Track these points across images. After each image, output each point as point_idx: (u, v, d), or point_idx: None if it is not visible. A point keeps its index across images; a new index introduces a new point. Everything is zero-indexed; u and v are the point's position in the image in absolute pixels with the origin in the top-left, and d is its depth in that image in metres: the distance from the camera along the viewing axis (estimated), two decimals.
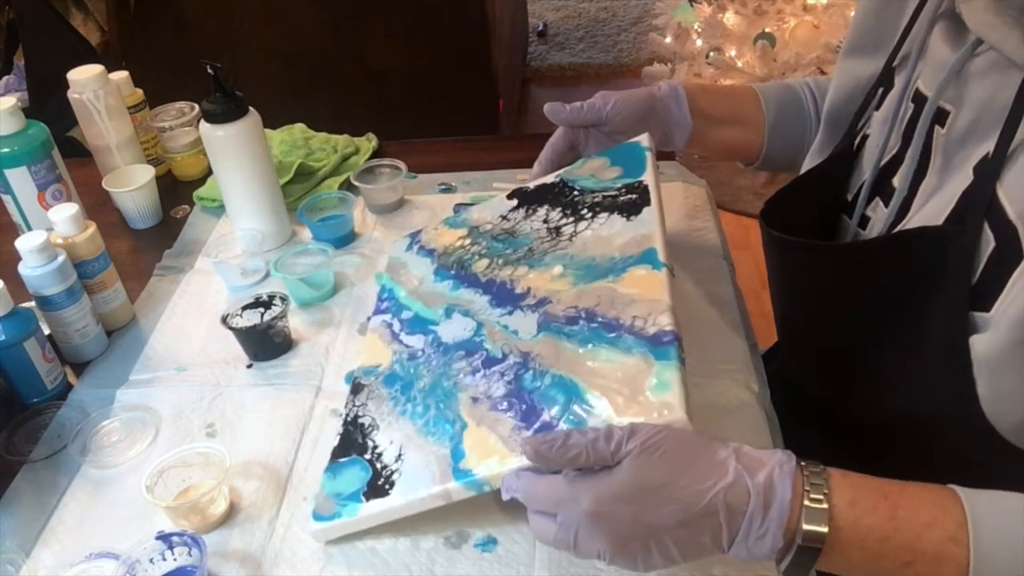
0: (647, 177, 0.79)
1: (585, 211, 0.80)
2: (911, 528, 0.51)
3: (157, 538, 0.65)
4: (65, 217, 0.85)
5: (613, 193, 0.79)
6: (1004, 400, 0.56)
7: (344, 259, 0.98)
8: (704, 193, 1.09)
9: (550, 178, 0.87)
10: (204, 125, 0.95)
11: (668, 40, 2.52)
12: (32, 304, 0.86)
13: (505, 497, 0.58)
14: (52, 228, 0.86)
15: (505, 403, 0.66)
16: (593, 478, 0.52)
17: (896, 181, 0.67)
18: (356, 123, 1.32)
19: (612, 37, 3.49)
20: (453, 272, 0.84)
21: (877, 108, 0.72)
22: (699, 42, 2.42)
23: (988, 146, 0.58)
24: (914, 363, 0.62)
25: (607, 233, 0.75)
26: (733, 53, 2.36)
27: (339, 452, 0.72)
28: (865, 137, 0.73)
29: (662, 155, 1.17)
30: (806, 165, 0.81)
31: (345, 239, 1.04)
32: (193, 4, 2.23)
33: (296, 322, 0.91)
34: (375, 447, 0.70)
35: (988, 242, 0.56)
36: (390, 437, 0.70)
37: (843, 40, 0.79)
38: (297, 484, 0.74)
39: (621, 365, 0.62)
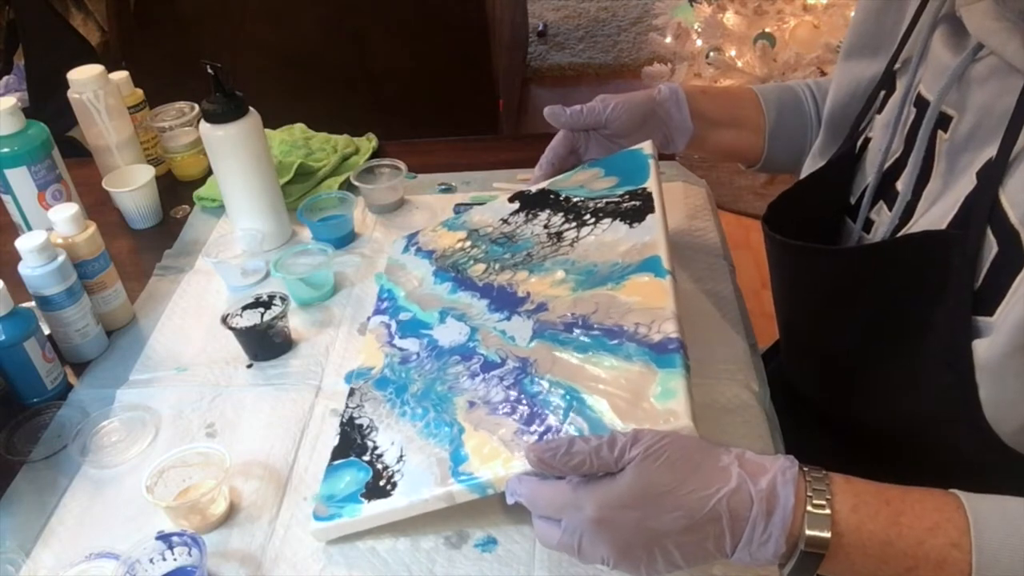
0: (651, 184, 0.79)
1: (588, 216, 0.79)
2: (913, 533, 0.51)
3: (157, 538, 0.65)
4: (65, 217, 0.85)
5: (616, 199, 0.79)
6: (1005, 405, 0.56)
7: (344, 259, 0.98)
8: (704, 193, 1.09)
9: (539, 186, 0.88)
10: (204, 125, 0.95)
11: (668, 40, 2.53)
12: (32, 304, 0.86)
13: (509, 501, 0.58)
14: (52, 228, 0.86)
15: (507, 407, 0.66)
16: (597, 484, 0.52)
17: (900, 185, 0.67)
18: (356, 123, 1.32)
19: (612, 37, 3.49)
20: (452, 275, 0.84)
21: (879, 111, 0.72)
22: (699, 42, 2.42)
23: (991, 151, 0.58)
24: (916, 367, 0.62)
25: (610, 239, 0.75)
26: (733, 53, 2.36)
27: (339, 453, 0.72)
28: (867, 140, 0.73)
29: (662, 156, 1.16)
30: (807, 168, 0.81)
31: (345, 239, 1.04)
32: (193, 4, 2.23)
33: (296, 322, 0.91)
34: (375, 448, 0.70)
35: (991, 247, 0.56)
36: (391, 438, 0.70)
37: (843, 40, 0.79)
38: (297, 484, 0.74)
39: (624, 372, 0.62)
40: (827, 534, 0.50)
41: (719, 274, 0.94)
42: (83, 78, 1.07)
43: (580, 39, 3.51)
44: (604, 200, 0.80)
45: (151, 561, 0.65)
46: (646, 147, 0.84)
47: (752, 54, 2.31)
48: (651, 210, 0.75)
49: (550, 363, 0.67)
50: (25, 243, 0.81)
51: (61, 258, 0.83)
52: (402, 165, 1.08)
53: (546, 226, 0.82)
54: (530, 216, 0.85)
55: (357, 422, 0.74)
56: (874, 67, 0.74)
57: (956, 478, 0.61)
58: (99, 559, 0.67)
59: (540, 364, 0.67)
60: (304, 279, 0.93)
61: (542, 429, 0.62)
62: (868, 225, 0.71)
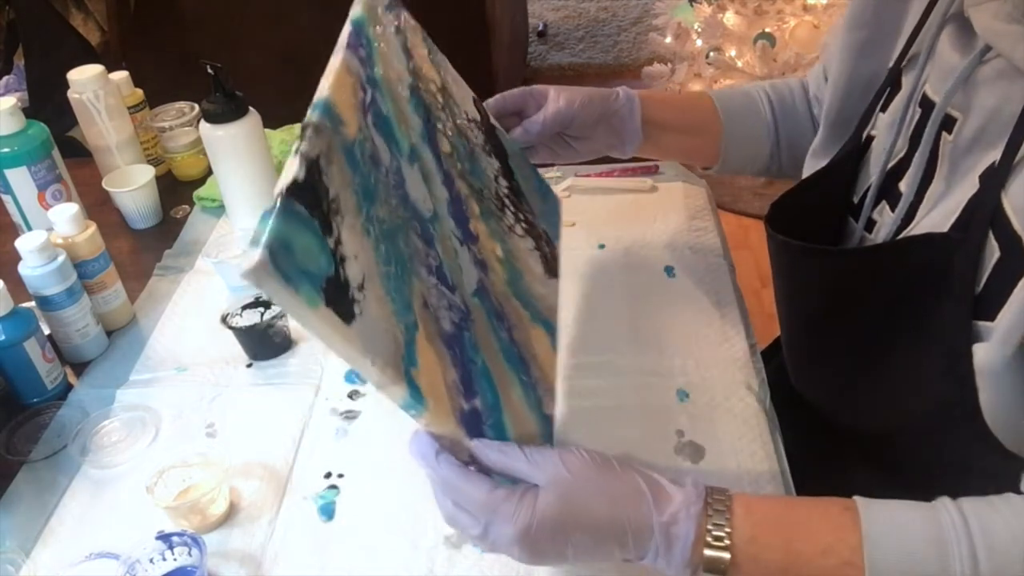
0: (559, 247, 0.79)
1: (522, 217, 0.77)
2: (808, 558, 0.54)
3: (157, 538, 0.65)
4: (65, 217, 0.85)
5: (539, 229, 0.78)
6: (1005, 410, 0.56)
7: None
8: (704, 193, 1.09)
9: (500, 132, 0.81)
10: (204, 125, 0.95)
11: (668, 40, 2.52)
12: (32, 304, 0.86)
13: (412, 452, 0.57)
14: (52, 228, 0.86)
15: (454, 349, 0.60)
16: (520, 502, 0.55)
17: (903, 186, 0.67)
18: None
19: (612, 37, 3.49)
20: (425, 117, 0.72)
21: (883, 109, 0.72)
22: (699, 42, 2.42)
23: (995, 155, 0.57)
24: (917, 370, 0.62)
25: (533, 265, 0.74)
26: (733, 53, 2.36)
27: (301, 193, 0.55)
28: (871, 139, 0.72)
29: (612, 160, 1.17)
30: (808, 167, 0.80)
31: None
32: (193, 4, 2.23)
33: (296, 322, 0.91)
34: (339, 241, 0.55)
35: (993, 251, 0.56)
36: (354, 249, 0.56)
37: (838, 33, 0.78)
38: (297, 484, 0.74)
39: (525, 418, 0.62)
40: (724, 567, 0.54)
41: (719, 274, 0.95)
42: (83, 78, 1.08)
43: (580, 39, 3.51)
44: (529, 214, 0.78)
45: (151, 561, 0.65)
46: (560, 201, 0.85)
47: (752, 54, 2.31)
48: (556, 274, 0.76)
49: (485, 338, 0.63)
50: (25, 243, 0.81)
51: (61, 258, 0.83)
52: None
53: (496, 180, 0.76)
54: (487, 148, 0.77)
55: (324, 184, 0.57)
56: (873, 62, 0.73)
57: (956, 480, 0.61)
58: (99, 559, 0.67)
59: (477, 328, 0.63)
60: None
61: (469, 408, 0.59)
62: (870, 225, 0.71)
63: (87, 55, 2.11)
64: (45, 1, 2.09)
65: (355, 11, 0.72)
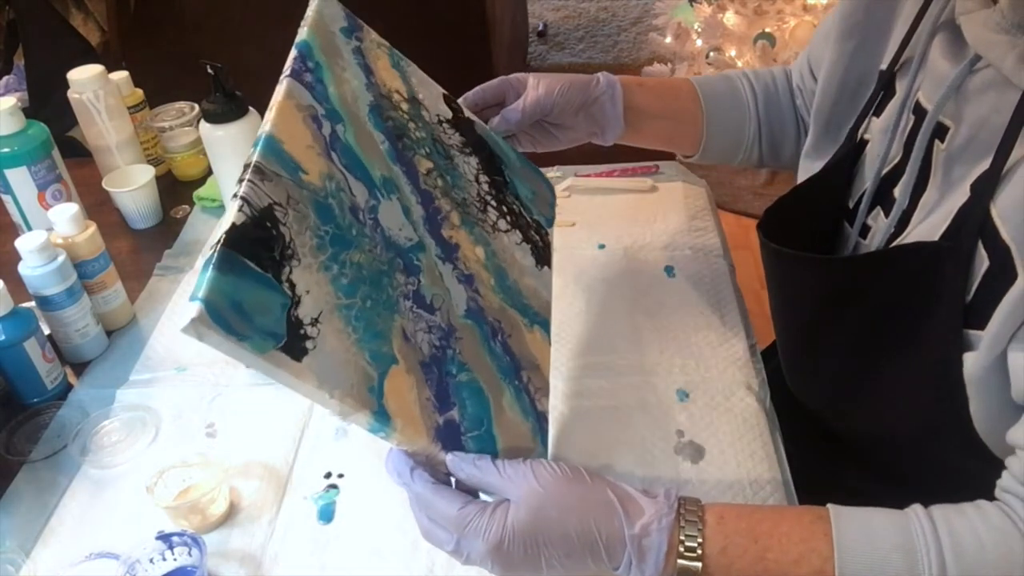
0: (552, 234, 0.78)
1: (505, 209, 0.75)
2: (779, 568, 0.55)
3: (157, 538, 0.65)
4: (65, 217, 0.85)
5: (528, 219, 0.77)
6: (994, 418, 0.57)
7: None
8: (704, 193, 1.09)
9: (477, 125, 0.79)
10: (204, 125, 0.95)
11: (668, 40, 2.52)
12: (32, 304, 0.86)
13: (387, 470, 0.58)
14: (52, 228, 0.86)
15: (432, 368, 0.60)
16: (492, 518, 0.55)
17: (897, 193, 0.66)
18: None
19: (612, 37, 3.49)
20: (388, 130, 0.69)
21: (876, 114, 0.71)
22: (699, 42, 2.42)
23: (986, 163, 0.58)
24: (908, 378, 0.62)
25: (520, 258, 0.73)
26: (733, 53, 2.36)
27: (241, 242, 0.54)
28: (864, 142, 0.72)
29: (662, 155, 1.17)
30: (802, 168, 0.80)
31: None
32: (193, 4, 2.23)
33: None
34: (290, 277, 0.55)
35: (982, 261, 0.56)
36: (306, 284, 0.56)
37: (826, 29, 0.78)
38: (297, 484, 0.74)
39: (516, 423, 0.63)
40: (697, 573, 0.54)
41: (719, 274, 0.95)
42: (83, 78, 1.08)
43: (580, 39, 3.51)
44: (518, 205, 0.77)
45: (151, 561, 0.65)
46: (552, 188, 0.83)
47: (752, 54, 2.31)
48: (548, 263, 0.75)
49: (473, 356, 0.63)
50: (25, 243, 0.81)
51: (61, 258, 0.83)
52: None
53: (476, 179, 0.75)
54: (463, 148, 0.75)
55: (281, 228, 0.57)
56: (864, 63, 0.73)
57: (948, 483, 0.61)
58: (99, 559, 0.67)
59: (465, 346, 0.63)
60: None
61: (445, 420, 0.59)
62: (865, 231, 0.70)
63: (87, 55, 2.11)
64: (45, 1, 2.09)
65: (301, 34, 0.69)
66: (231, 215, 0.55)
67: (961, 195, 0.59)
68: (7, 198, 1.01)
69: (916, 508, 0.55)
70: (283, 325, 0.54)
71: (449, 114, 0.76)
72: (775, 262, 0.74)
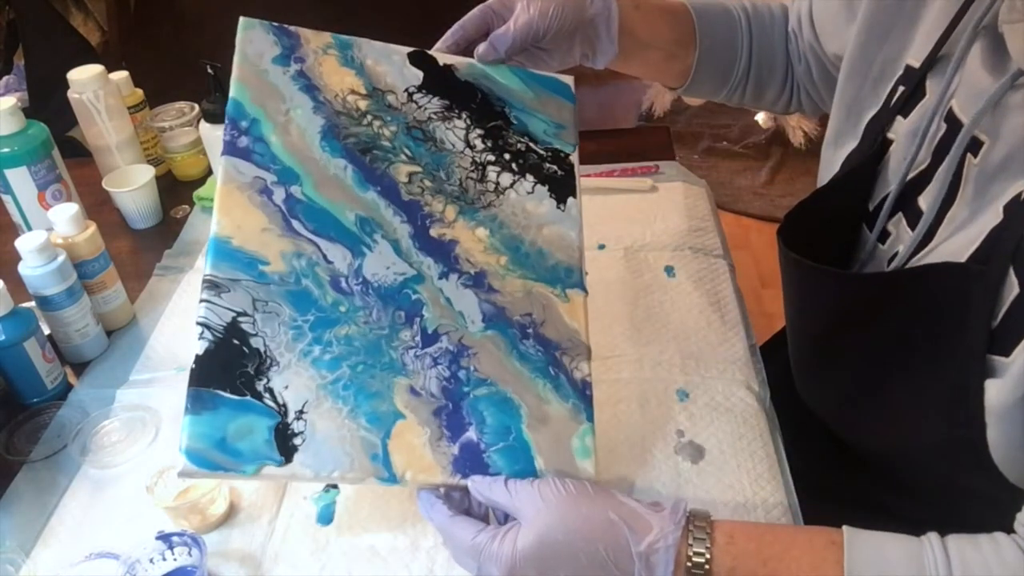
0: (575, 156, 0.72)
1: (509, 158, 0.69)
2: None
3: (157, 538, 0.65)
4: (65, 217, 0.85)
5: (538, 152, 0.71)
6: (1012, 448, 0.55)
7: None
8: (704, 193, 1.09)
9: (462, 67, 0.72)
10: (204, 125, 0.95)
11: None
12: (32, 304, 0.86)
13: (423, 514, 0.60)
14: (52, 228, 0.86)
15: (437, 404, 0.60)
16: (503, 542, 0.56)
17: (923, 203, 0.64)
18: None
19: None
20: (350, 150, 0.65)
21: (903, 113, 0.67)
22: None
23: (1021, 185, 0.55)
24: (923, 399, 0.61)
25: (533, 209, 0.68)
26: None
27: (212, 375, 0.55)
28: (888, 142, 0.69)
29: (661, 155, 1.17)
30: (824, 158, 0.76)
31: None
32: (193, 4, 2.23)
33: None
34: (269, 386, 0.56)
35: (1012, 286, 0.53)
36: (285, 381, 0.56)
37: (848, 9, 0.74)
38: (297, 484, 0.73)
39: (556, 411, 0.62)
40: None
41: (719, 274, 0.94)
42: (83, 78, 1.07)
43: None
44: (525, 141, 0.71)
45: (151, 561, 0.65)
46: (571, 83, 0.75)
47: None
48: (573, 192, 0.70)
49: (494, 367, 0.61)
50: (25, 243, 0.81)
51: (61, 258, 0.83)
52: None
53: (467, 142, 0.69)
54: (447, 112, 0.70)
55: (252, 343, 0.57)
56: (885, 49, 0.69)
57: (954, 500, 0.60)
58: (99, 559, 0.67)
59: (482, 361, 0.61)
60: None
61: (463, 442, 0.59)
62: (884, 236, 0.68)
63: (87, 55, 2.11)
64: (45, 1, 2.09)
65: (231, 93, 0.65)
66: (197, 344, 0.56)
67: (994, 215, 0.57)
68: (7, 198, 1.01)
69: (932, 539, 0.54)
70: (272, 443, 0.55)
71: (419, 77, 0.70)
72: (794, 271, 0.72)
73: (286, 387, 0.57)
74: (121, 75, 1.17)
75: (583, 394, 0.64)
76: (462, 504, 0.60)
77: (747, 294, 0.93)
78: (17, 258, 0.82)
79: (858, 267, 0.71)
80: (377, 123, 0.67)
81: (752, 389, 0.79)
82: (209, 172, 1.19)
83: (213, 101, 0.94)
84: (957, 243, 0.59)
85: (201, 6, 2.24)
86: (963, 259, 0.57)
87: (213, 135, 0.95)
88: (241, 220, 0.60)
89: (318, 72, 0.67)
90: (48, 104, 1.93)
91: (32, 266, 0.82)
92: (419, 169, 0.66)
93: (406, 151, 0.67)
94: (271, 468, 0.55)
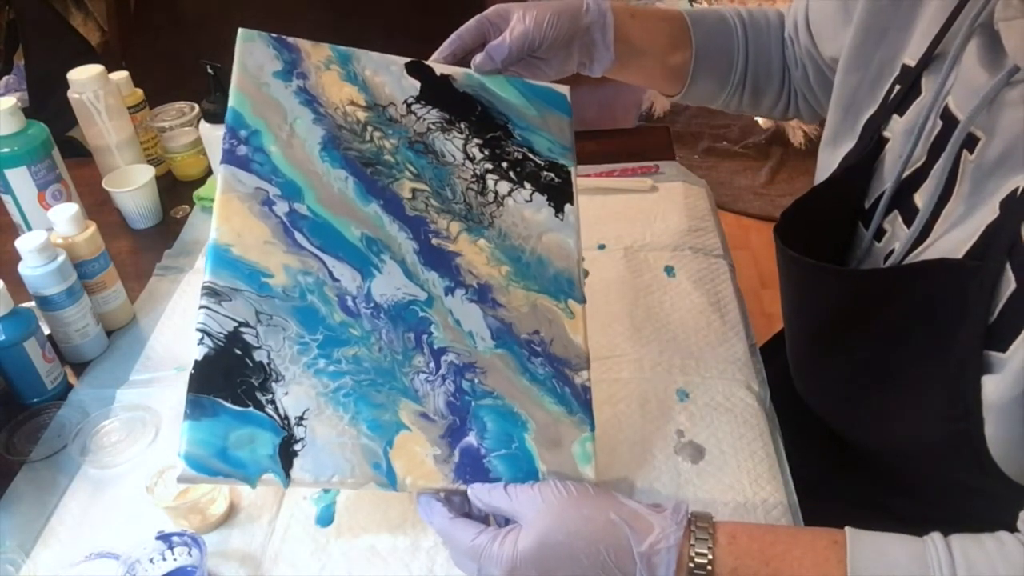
0: (574, 169, 0.73)
1: (506, 166, 0.70)
2: None
3: (157, 538, 0.65)
4: (65, 217, 0.85)
5: (536, 161, 0.71)
6: (1010, 444, 0.55)
7: None
8: (704, 193, 1.09)
9: (460, 78, 0.73)
10: (204, 125, 0.95)
11: None
12: (32, 304, 0.86)
13: (423, 517, 0.60)
14: (52, 228, 0.86)
15: (441, 415, 0.60)
16: (503, 544, 0.56)
17: (919, 200, 0.64)
18: None
19: None
20: (351, 161, 0.65)
21: (899, 111, 0.68)
22: None
23: (1018, 181, 0.55)
24: (922, 396, 0.61)
25: (531, 217, 0.69)
26: None
27: (206, 383, 0.55)
28: (884, 140, 0.69)
29: (661, 155, 1.17)
30: (821, 158, 0.76)
31: None
32: (193, 4, 2.23)
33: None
34: (274, 400, 0.56)
35: (1009, 282, 0.54)
36: (285, 388, 0.56)
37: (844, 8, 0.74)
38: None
39: (561, 421, 0.62)
40: None
41: (719, 274, 0.95)
42: (83, 78, 1.07)
43: None
44: (524, 150, 0.71)
45: (151, 561, 0.65)
46: (567, 94, 0.76)
47: None
48: (570, 199, 0.71)
49: (502, 382, 0.61)
50: (25, 243, 0.81)
51: (61, 258, 0.83)
52: None
53: (467, 154, 0.69)
54: (447, 123, 0.70)
55: (256, 355, 0.56)
56: (882, 49, 0.69)
57: (954, 497, 0.60)
58: (99, 559, 0.67)
59: (489, 377, 0.61)
60: None
61: (463, 446, 0.59)
62: (880, 234, 0.68)
63: (87, 55, 2.11)
64: (45, 1, 2.09)
65: (231, 103, 0.65)
66: (196, 350, 0.56)
67: (990, 212, 0.57)
68: (7, 198, 1.01)
69: (935, 538, 0.54)
70: (276, 458, 0.55)
71: (417, 88, 0.71)
72: (791, 269, 0.72)
73: (286, 393, 0.57)
74: (121, 75, 1.17)
75: (584, 400, 0.64)
76: (462, 508, 0.60)
77: (747, 294, 0.93)
78: (17, 258, 0.82)
79: (855, 265, 0.72)
80: (378, 135, 0.67)
81: (752, 389, 0.79)
82: (209, 172, 1.19)
83: (213, 101, 0.94)
84: (953, 240, 0.60)
85: (201, 6, 2.24)
86: (959, 255, 0.58)
87: (213, 135, 0.95)
88: (241, 229, 0.59)
89: (320, 88, 0.68)
90: (48, 104, 1.93)
91: (32, 266, 0.82)
92: (424, 187, 0.67)
93: (410, 167, 0.67)
94: (271, 476, 0.55)
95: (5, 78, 2.12)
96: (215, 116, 0.94)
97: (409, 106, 0.70)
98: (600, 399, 0.79)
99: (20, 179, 0.99)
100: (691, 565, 0.55)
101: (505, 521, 0.59)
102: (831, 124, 0.76)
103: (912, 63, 0.67)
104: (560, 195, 0.71)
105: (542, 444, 0.61)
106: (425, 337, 0.61)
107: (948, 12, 0.64)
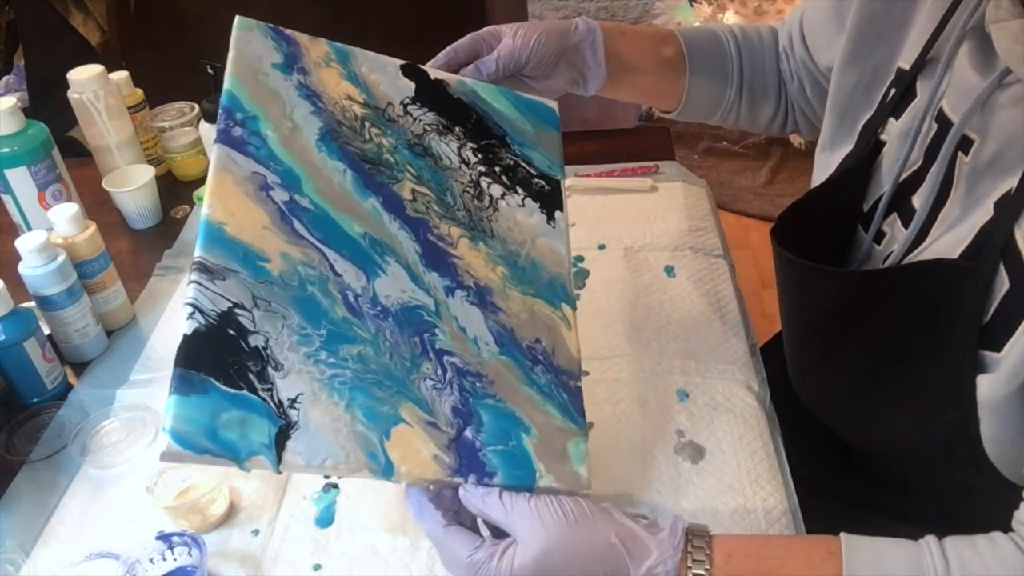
0: (562, 179, 0.73)
1: (499, 171, 0.70)
2: None
3: (157, 538, 0.65)
4: (65, 217, 0.85)
5: (529, 170, 0.72)
6: (1006, 443, 0.56)
7: None
8: (704, 193, 1.09)
9: (453, 84, 0.73)
10: (204, 125, 0.95)
11: None
12: (32, 304, 0.86)
13: (412, 515, 0.59)
14: (52, 228, 0.86)
15: (459, 423, 0.59)
16: (500, 560, 0.55)
17: (916, 202, 0.65)
18: None
19: None
20: (349, 154, 0.64)
21: (895, 115, 0.68)
22: None
23: (1011, 182, 0.56)
24: (919, 396, 0.61)
25: (524, 220, 0.69)
26: None
27: (195, 359, 0.53)
28: (882, 144, 0.69)
29: (661, 156, 1.17)
30: (818, 163, 0.77)
31: None
32: (193, 4, 2.23)
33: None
34: (267, 384, 0.54)
35: (1003, 282, 0.54)
36: (282, 375, 0.55)
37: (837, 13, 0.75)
38: (297, 484, 0.73)
39: (551, 422, 0.62)
40: None
41: (719, 274, 0.95)
42: (83, 78, 1.07)
43: None
44: (516, 159, 0.72)
45: (151, 561, 0.65)
46: (555, 108, 0.76)
47: None
48: (560, 206, 0.71)
49: (505, 388, 0.61)
50: (25, 243, 0.81)
51: (61, 258, 0.83)
52: None
53: (462, 158, 0.69)
54: (441, 127, 0.70)
55: (251, 337, 0.54)
56: (876, 54, 0.70)
57: (952, 496, 0.60)
58: (99, 559, 0.67)
59: (497, 385, 0.61)
60: None
61: (459, 439, 0.59)
62: (880, 237, 0.69)
63: (87, 55, 2.11)
64: (45, 1, 2.09)
65: (226, 85, 0.63)
66: (185, 325, 0.52)
67: (984, 213, 0.57)
68: (7, 198, 1.01)
69: (930, 542, 0.54)
70: (271, 443, 0.52)
71: (412, 89, 0.71)
72: (788, 271, 0.72)
73: (283, 378, 0.55)
74: (121, 75, 1.17)
75: (578, 403, 0.64)
76: (453, 504, 0.58)
77: (747, 294, 0.93)
78: (17, 258, 0.82)
79: (855, 267, 0.72)
80: (375, 131, 0.67)
81: (752, 389, 0.79)
82: None
83: (213, 101, 0.94)
84: (949, 240, 0.60)
85: (201, 6, 2.24)
86: (955, 256, 0.58)
87: (213, 135, 0.95)
88: (236, 209, 0.57)
89: (322, 85, 0.67)
90: (48, 104, 1.93)
91: (32, 266, 0.82)
92: (426, 191, 0.66)
93: (409, 168, 0.67)
94: (262, 459, 0.53)
95: (5, 78, 2.12)
96: (215, 116, 0.94)
97: (405, 107, 0.70)
98: (600, 399, 0.80)
99: (20, 179, 0.99)
100: None
101: (496, 530, 0.58)
102: (827, 129, 0.76)
103: (907, 67, 0.67)
104: (551, 202, 0.71)
105: (541, 447, 0.61)
106: (432, 343, 0.61)
107: (940, 16, 0.64)
